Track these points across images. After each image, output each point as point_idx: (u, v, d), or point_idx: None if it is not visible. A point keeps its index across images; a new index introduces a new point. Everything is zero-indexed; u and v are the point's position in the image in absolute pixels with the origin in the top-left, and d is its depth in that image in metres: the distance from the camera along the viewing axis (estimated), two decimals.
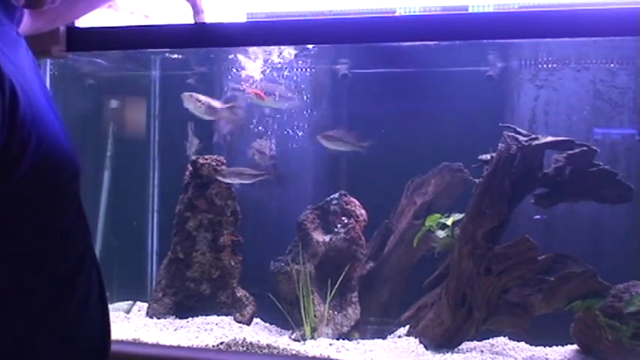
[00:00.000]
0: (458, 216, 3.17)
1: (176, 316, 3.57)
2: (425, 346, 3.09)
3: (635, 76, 3.32)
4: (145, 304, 3.73)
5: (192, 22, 2.85)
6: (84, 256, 1.40)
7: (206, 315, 3.54)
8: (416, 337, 3.16)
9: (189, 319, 3.52)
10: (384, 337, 3.30)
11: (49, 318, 1.31)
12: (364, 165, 3.68)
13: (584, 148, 2.97)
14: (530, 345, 3.18)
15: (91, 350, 1.43)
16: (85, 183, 4.10)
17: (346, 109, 3.81)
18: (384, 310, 3.47)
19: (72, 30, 3.08)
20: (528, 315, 2.99)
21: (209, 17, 2.93)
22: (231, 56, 3.72)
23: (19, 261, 1.25)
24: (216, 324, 3.45)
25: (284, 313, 3.35)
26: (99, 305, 1.45)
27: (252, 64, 3.57)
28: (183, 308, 3.59)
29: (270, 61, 3.63)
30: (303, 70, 3.78)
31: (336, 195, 3.47)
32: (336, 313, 3.33)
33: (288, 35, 2.95)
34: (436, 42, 2.87)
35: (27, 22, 1.58)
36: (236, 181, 3.53)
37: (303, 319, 3.25)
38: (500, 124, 3.11)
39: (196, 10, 2.87)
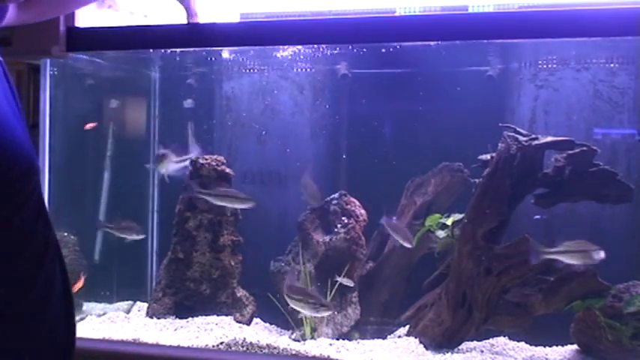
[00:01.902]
0: (458, 216, 3.17)
1: (176, 316, 3.56)
2: (425, 346, 3.09)
3: (635, 76, 3.32)
4: (145, 304, 3.73)
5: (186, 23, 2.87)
6: (44, 254, 1.38)
7: (206, 315, 3.54)
8: (416, 337, 3.16)
9: (189, 319, 3.51)
10: (384, 337, 3.30)
11: (5, 317, 1.29)
12: (364, 165, 3.68)
13: (584, 148, 2.97)
14: (530, 345, 3.17)
15: (56, 350, 1.41)
16: (85, 183, 4.08)
17: (346, 108, 3.81)
18: (384, 310, 3.47)
19: (72, 30, 3.09)
20: (528, 315, 2.99)
21: (204, 17, 2.94)
22: (232, 56, 3.72)
23: None
24: (216, 324, 3.44)
25: (284, 313, 3.35)
26: (63, 304, 1.42)
27: None
28: (183, 308, 3.59)
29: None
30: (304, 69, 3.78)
31: (336, 195, 3.47)
32: (336, 313, 3.33)
33: (288, 35, 2.96)
34: (436, 42, 2.87)
35: (12, 14, 1.57)
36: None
37: (303, 319, 3.25)
38: (500, 124, 3.11)
39: (190, 13, 2.89)
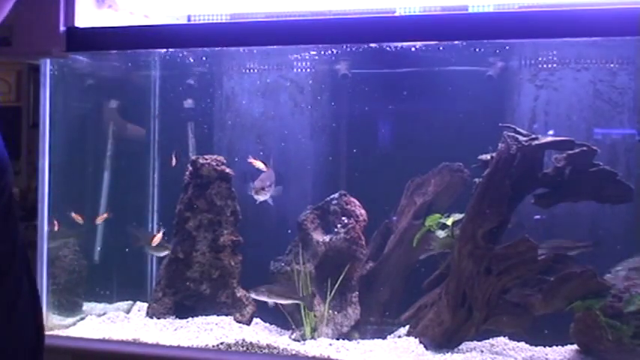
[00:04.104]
0: (458, 216, 3.16)
1: (176, 316, 3.56)
2: (425, 346, 3.09)
3: (635, 76, 3.32)
4: (145, 304, 3.73)
5: None
6: (12, 255, 1.38)
7: (206, 315, 3.54)
8: (416, 337, 3.16)
9: (189, 319, 3.51)
10: (384, 337, 3.30)
11: None
12: (364, 165, 3.67)
13: (584, 148, 2.96)
14: (530, 345, 3.17)
15: (25, 350, 1.40)
16: (85, 183, 4.06)
17: (346, 109, 3.81)
18: (384, 310, 3.47)
19: (72, 30, 3.09)
20: (528, 315, 2.99)
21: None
22: (232, 56, 3.72)
23: None
24: (216, 324, 3.44)
25: (284, 313, 3.35)
26: (30, 304, 1.42)
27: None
28: (183, 308, 3.59)
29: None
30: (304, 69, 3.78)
31: (336, 195, 3.47)
32: (336, 313, 3.33)
33: (289, 35, 2.96)
34: (436, 42, 2.87)
35: None
36: None
37: (303, 319, 3.25)
38: (500, 124, 3.11)
39: None
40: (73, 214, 3.63)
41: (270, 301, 3.31)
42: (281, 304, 3.30)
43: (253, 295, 3.32)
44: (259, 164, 3.32)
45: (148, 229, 4.01)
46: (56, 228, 3.45)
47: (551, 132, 3.30)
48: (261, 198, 3.25)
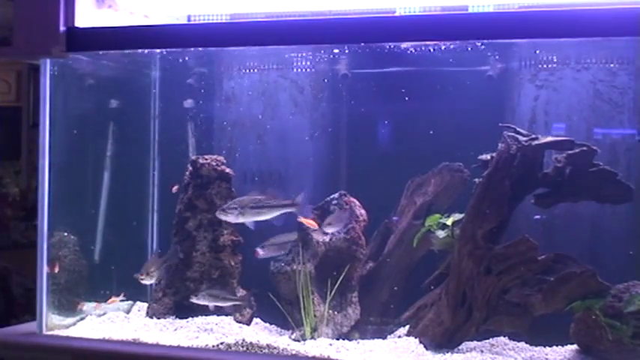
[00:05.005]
0: (458, 216, 3.17)
1: (176, 316, 3.57)
2: (425, 346, 3.09)
3: (635, 76, 3.32)
4: (145, 304, 3.73)
5: None
6: None
7: (206, 315, 3.54)
8: (416, 337, 3.16)
9: (189, 319, 3.52)
10: (384, 337, 3.30)
11: None
12: (364, 165, 3.67)
13: (584, 148, 2.97)
14: (530, 345, 3.18)
15: None
16: (85, 183, 4.06)
17: (346, 108, 3.81)
18: (384, 310, 3.47)
19: (72, 30, 3.09)
20: (528, 315, 2.99)
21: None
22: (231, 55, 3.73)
23: None
24: (216, 324, 3.45)
25: (284, 313, 3.35)
26: None
27: None
28: (184, 308, 3.59)
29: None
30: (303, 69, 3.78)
31: (336, 195, 3.46)
32: (336, 313, 3.33)
33: (289, 35, 2.96)
34: (436, 42, 2.88)
35: None
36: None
37: (303, 319, 3.25)
38: (500, 124, 3.11)
39: None
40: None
41: (211, 304, 3.41)
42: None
43: (194, 300, 3.40)
44: (311, 222, 3.34)
45: (148, 229, 4.02)
46: (56, 270, 3.44)
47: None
48: (223, 217, 3.34)
